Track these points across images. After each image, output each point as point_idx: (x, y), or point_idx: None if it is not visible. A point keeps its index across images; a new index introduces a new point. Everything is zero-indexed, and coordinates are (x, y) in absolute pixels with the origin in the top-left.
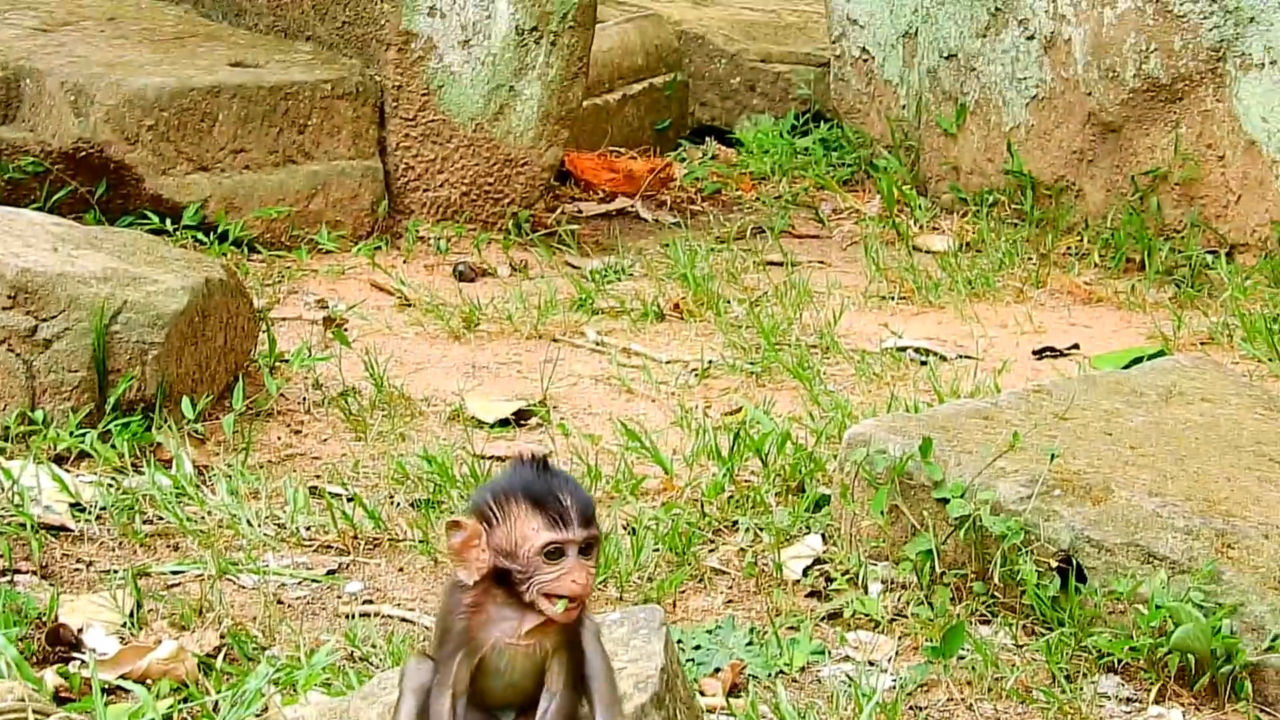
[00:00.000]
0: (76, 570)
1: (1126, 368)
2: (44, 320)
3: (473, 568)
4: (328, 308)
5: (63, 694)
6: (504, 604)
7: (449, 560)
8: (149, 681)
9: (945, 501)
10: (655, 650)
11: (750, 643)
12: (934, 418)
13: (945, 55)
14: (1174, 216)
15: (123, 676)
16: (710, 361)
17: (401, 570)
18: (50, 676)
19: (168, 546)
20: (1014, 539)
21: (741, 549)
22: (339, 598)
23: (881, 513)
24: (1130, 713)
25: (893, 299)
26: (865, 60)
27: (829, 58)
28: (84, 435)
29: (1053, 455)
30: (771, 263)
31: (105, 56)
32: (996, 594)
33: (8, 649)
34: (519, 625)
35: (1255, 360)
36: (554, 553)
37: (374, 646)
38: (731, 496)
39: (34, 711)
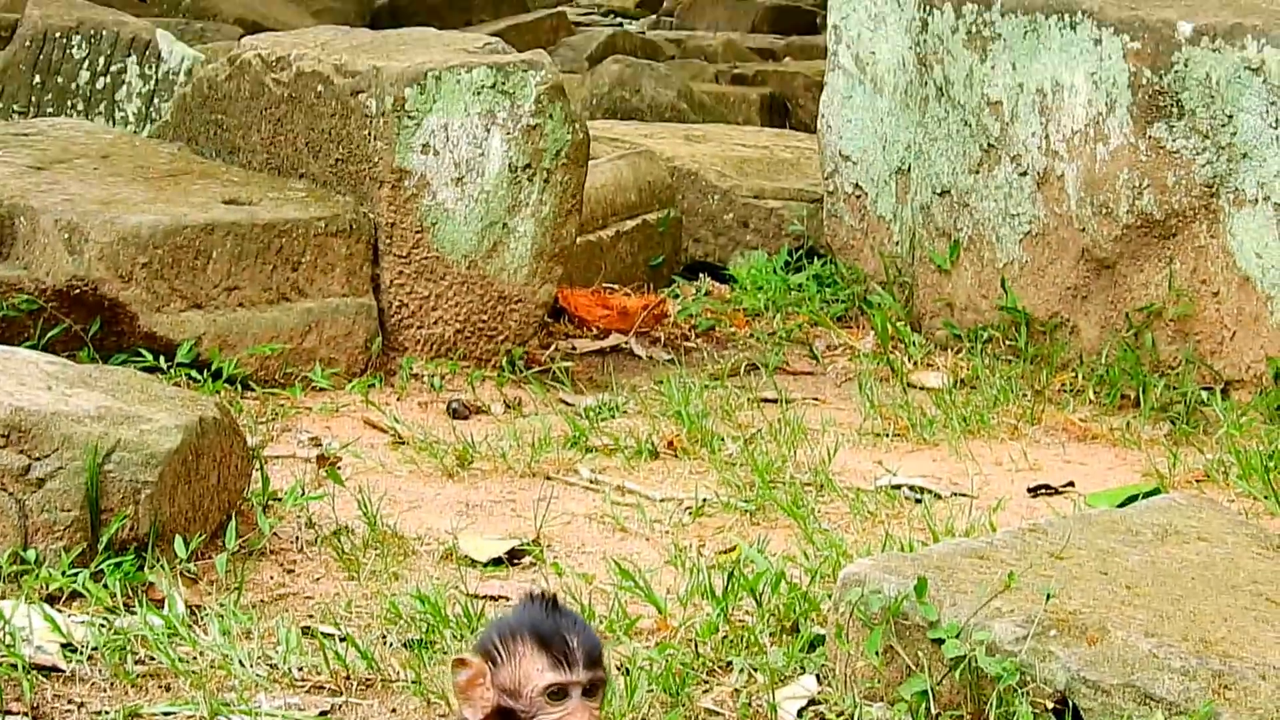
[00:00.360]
0: (68, 711)
1: (1122, 506)
2: (37, 459)
3: (478, 706)
4: (321, 446)
5: None
6: None
7: (455, 698)
8: None
9: (940, 642)
10: None
11: None
12: (929, 557)
13: (938, 191)
14: (1169, 353)
15: None
16: (704, 500)
17: (394, 711)
18: None
19: (160, 687)
20: (1010, 680)
21: (736, 690)
22: None
23: (876, 653)
24: None
25: (887, 436)
26: (858, 196)
27: (822, 194)
28: (76, 575)
29: (1048, 595)
30: (766, 400)
31: (99, 194)
32: None
33: None
34: None
35: (1251, 498)
36: (557, 694)
37: None
38: (726, 636)
39: None
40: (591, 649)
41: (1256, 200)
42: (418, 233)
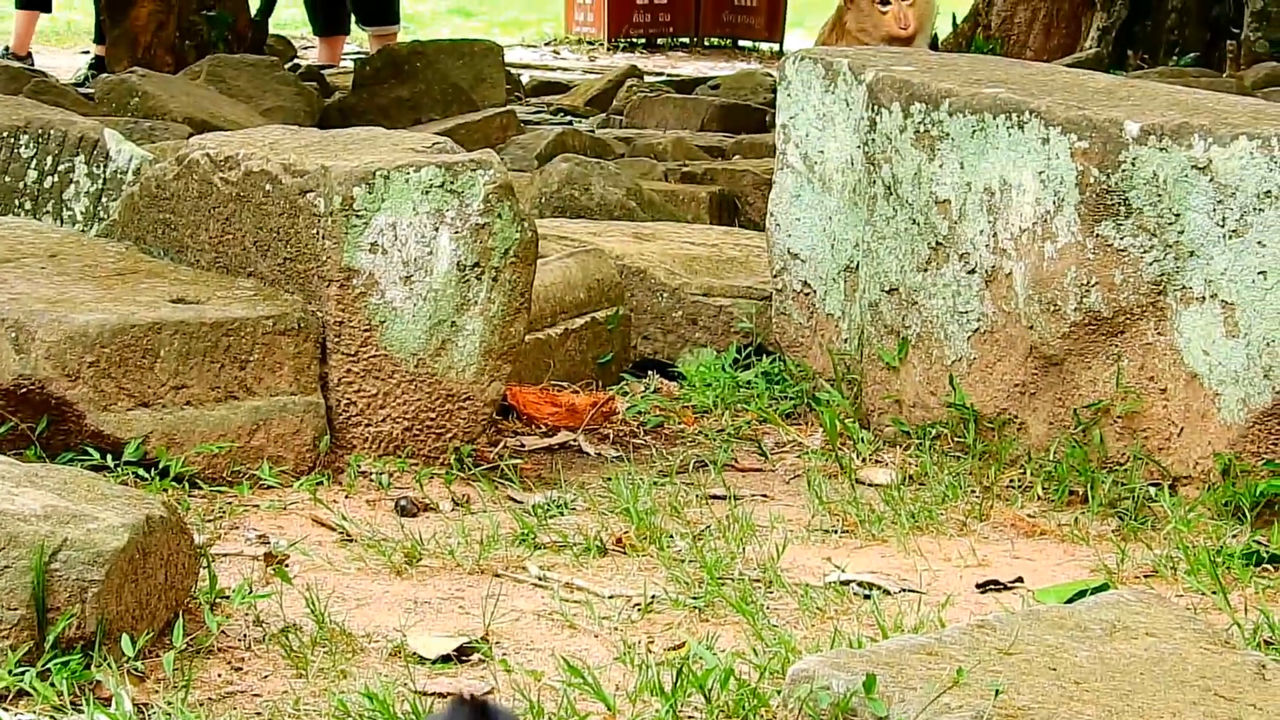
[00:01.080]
0: None
1: (1070, 601)
2: None
3: None
4: (269, 544)
5: None
6: None
7: None
8: None
9: None
10: None
11: None
12: (878, 654)
13: (886, 289)
14: (1117, 449)
15: None
16: (653, 596)
17: None
18: None
19: None
20: None
21: None
22: None
23: None
24: None
25: (836, 532)
26: (807, 294)
27: (771, 291)
28: (23, 674)
29: (997, 691)
30: (714, 496)
31: (47, 293)
32: None
33: None
34: None
35: (1199, 593)
36: None
37: None
38: None
39: None
40: None
41: (1204, 298)
42: (366, 331)
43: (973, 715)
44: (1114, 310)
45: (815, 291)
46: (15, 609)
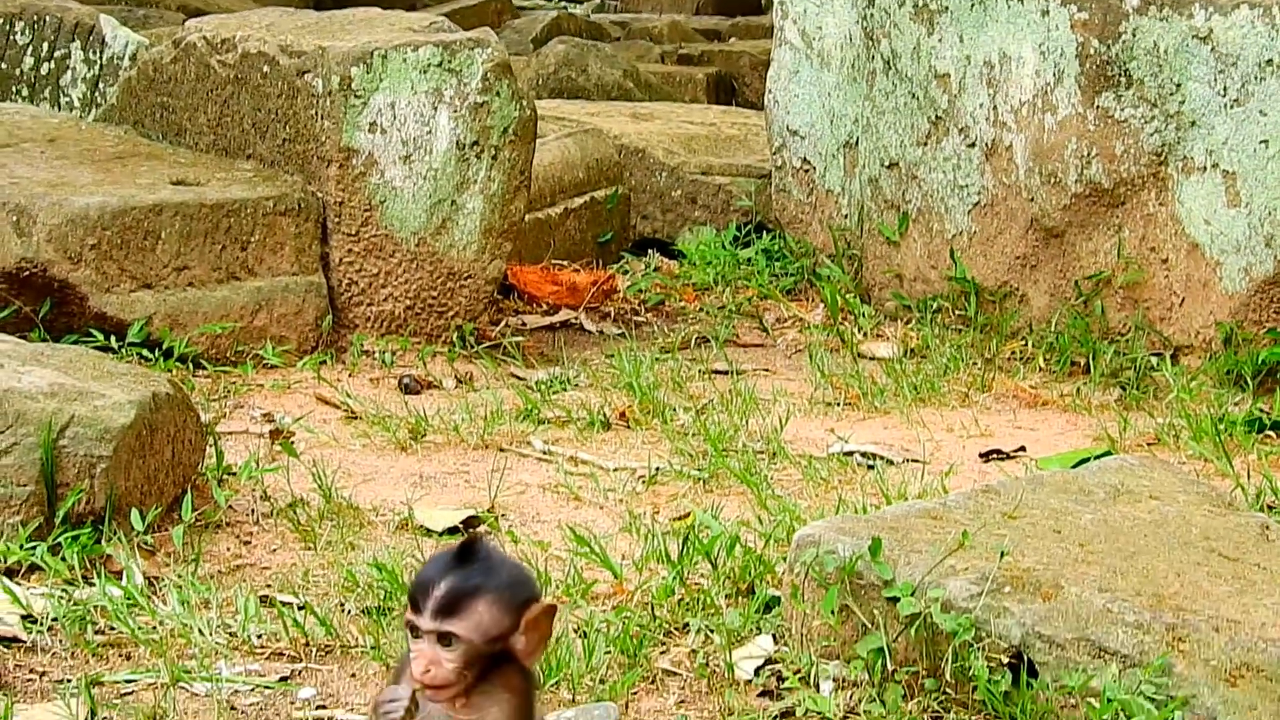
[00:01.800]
0: (30, 680)
1: (1073, 468)
2: None
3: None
4: (274, 421)
5: None
6: None
7: None
8: None
9: (895, 600)
10: None
11: None
12: (883, 519)
13: (886, 164)
14: (1118, 320)
15: None
16: (657, 469)
17: (354, 676)
18: None
19: (120, 656)
20: (965, 636)
21: (693, 650)
22: (292, 704)
23: (832, 612)
24: None
25: (838, 405)
26: (806, 171)
27: (770, 169)
28: (34, 548)
29: (1002, 553)
30: (716, 371)
31: (47, 177)
32: (949, 690)
33: None
34: None
35: (1202, 459)
36: (414, 633)
37: None
38: (682, 599)
39: None
40: (449, 602)
41: (1205, 168)
42: (366, 211)
43: (978, 577)
44: (1115, 181)
45: (815, 168)
46: (25, 485)
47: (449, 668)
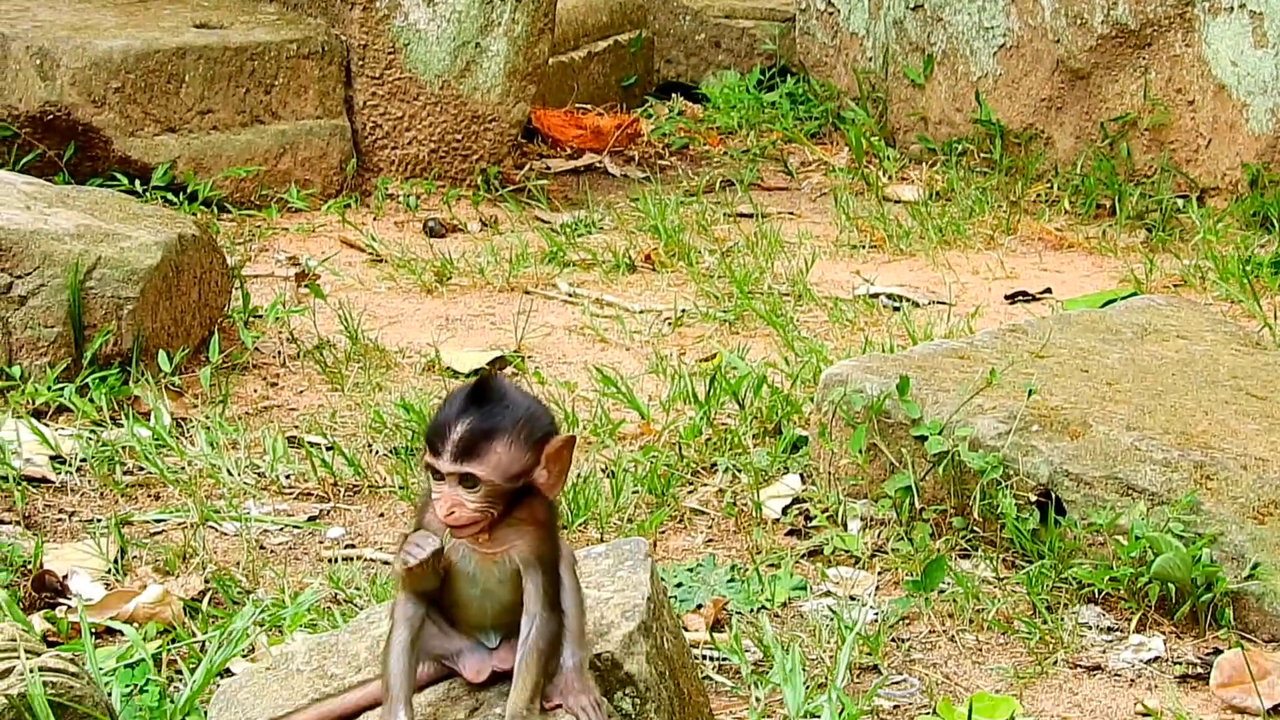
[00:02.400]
0: (59, 520)
1: (1101, 308)
2: (19, 277)
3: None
4: (299, 264)
5: (50, 638)
6: None
7: None
8: (135, 625)
9: (923, 439)
10: (641, 580)
11: (731, 580)
12: (910, 358)
13: (911, 6)
14: (1144, 162)
15: (110, 620)
16: (683, 310)
17: (382, 516)
18: (37, 622)
19: (149, 496)
20: (993, 474)
21: (720, 490)
22: (320, 543)
23: (860, 451)
24: (1111, 642)
25: (864, 248)
26: (830, 13)
27: (794, 12)
28: (62, 389)
29: (1030, 391)
30: (741, 214)
31: (70, 20)
32: (976, 529)
33: None
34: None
35: (1228, 301)
36: (436, 475)
37: (357, 589)
38: (709, 439)
39: (26, 651)
40: (469, 443)
41: (1232, 8)
42: (390, 54)
43: (1006, 415)
44: (1141, 22)
45: (839, 10)
46: (52, 327)
47: (471, 508)
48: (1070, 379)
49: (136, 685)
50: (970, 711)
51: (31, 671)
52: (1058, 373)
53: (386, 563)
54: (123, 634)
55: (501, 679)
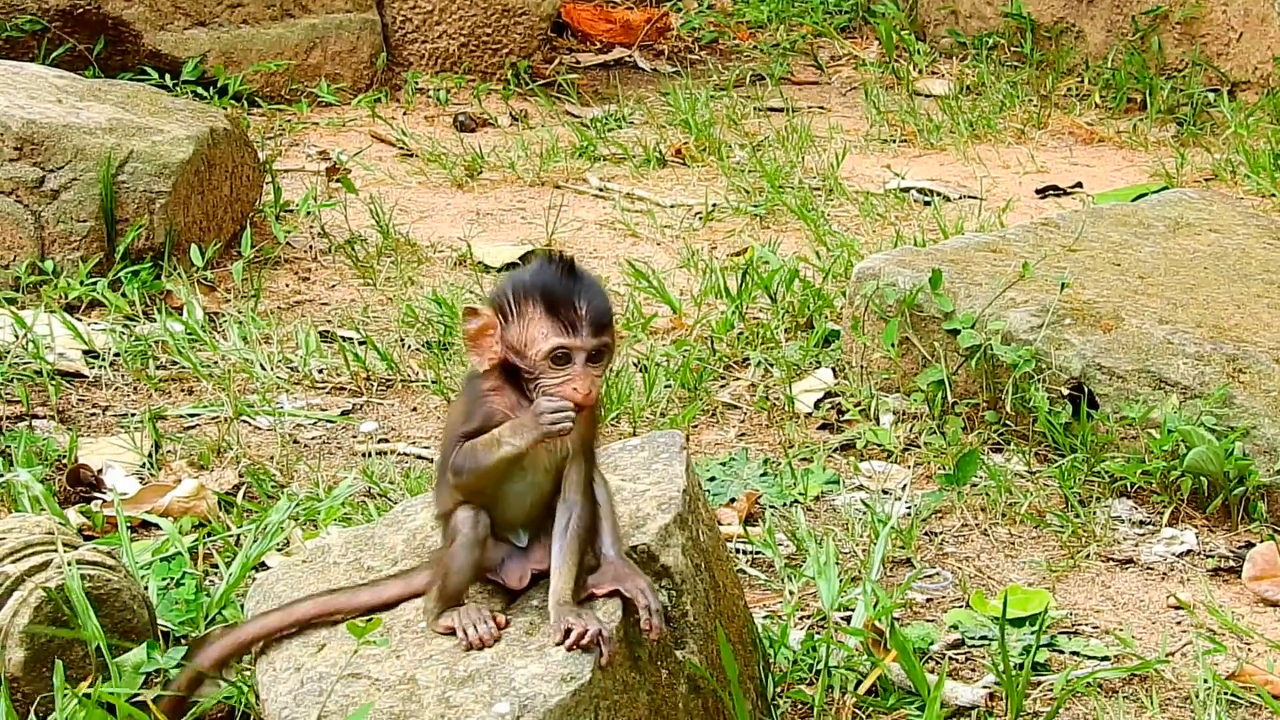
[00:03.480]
0: (93, 415)
1: (1133, 202)
2: (51, 171)
3: (485, 356)
4: (330, 159)
5: (86, 532)
6: (520, 398)
7: (463, 344)
8: (170, 519)
9: (956, 332)
10: (678, 473)
11: (764, 474)
12: (942, 252)
13: None
14: (1175, 56)
15: (145, 514)
16: (714, 205)
17: (415, 410)
18: (72, 516)
19: (182, 390)
20: (1025, 368)
21: (752, 384)
22: (354, 437)
23: (892, 345)
24: (1144, 535)
25: (894, 142)
26: None
27: None
28: (94, 284)
29: (1063, 285)
30: (772, 109)
31: None
32: (1008, 422)
33: (34, 486)
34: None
35: (1260, 195)
36: (561, 358)
37: (391, 482)
38: (741, 333)
39: (63, 545)
40: (599, 315)
41: None
42: None
43: (1038, 309)
44: None
45: None
46: (85, 221)
47: (599, 382)
48: (1103, 273)
49: (173, 579)
50: (1005, 604)
51: (69, 565)
52: (1090, 266)
53: (420, 457)
54: (158, 528)
55: (538, 579)
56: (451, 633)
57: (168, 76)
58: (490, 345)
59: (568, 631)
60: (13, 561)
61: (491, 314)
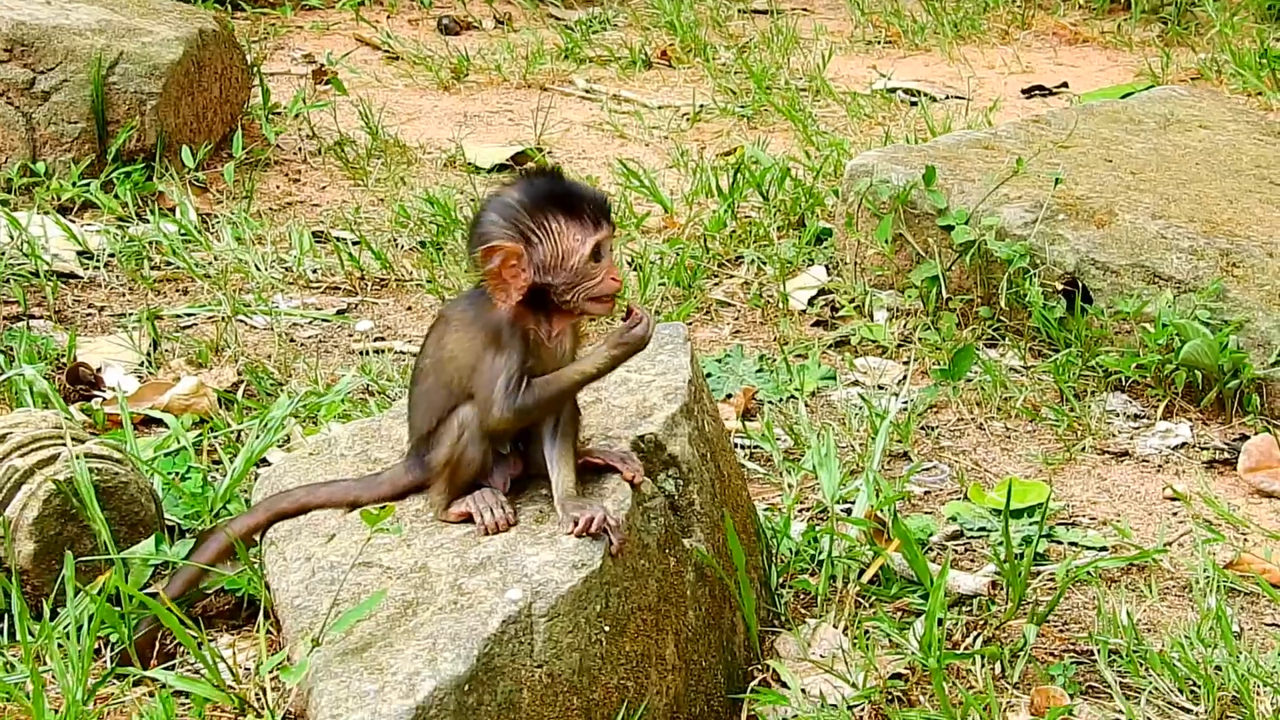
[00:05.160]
0: (90, 314)
1: (1122, 99)
2: (41, 73)
3: (513, 290)
4: (315, 62)
5: (88, 429)
6: (543, 317)
7: (488, 284)
8: (173, 415)
9: (950, 228)
10: (682, 364)
11: (760, 370)
12: (935, 149)
13: None
14: None
15: (148, 410)
16: (701, 106)
17: (409, 309)
18: (74, 413)
19: (178, 291)
20: (1019, 263)
21: (746, 282)
22: (350, 336)
23: (886, 241)
24: (1139, 428)
25: (879, 43)
26: None
27: None
28: (87, 186)
29: (1057, 180)
30: (756, 11)
31: None
32: (1003, 318)
33: (39, 381)
34: (549, 328)
35: (1246, 92)
36: (596, 253)
37: (390, 379)
38: (734, 232)
39: (71, 438)
40: (605, 203)
41: None
42: None
43: (1032, 205)
44: None
45: None
46: (76, 122)
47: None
48: (1095, 169)
49: (178, 473)
50: (1010, 492)
51: (77, 458)
52: (1082, 163)
53: (416, 355)
54: (160, 425)
55: (517, 484)
56: (465, 519)
57: None
58: (519, 274)
59: (575, 520)
60: (20, 455)
61: (513, 243)
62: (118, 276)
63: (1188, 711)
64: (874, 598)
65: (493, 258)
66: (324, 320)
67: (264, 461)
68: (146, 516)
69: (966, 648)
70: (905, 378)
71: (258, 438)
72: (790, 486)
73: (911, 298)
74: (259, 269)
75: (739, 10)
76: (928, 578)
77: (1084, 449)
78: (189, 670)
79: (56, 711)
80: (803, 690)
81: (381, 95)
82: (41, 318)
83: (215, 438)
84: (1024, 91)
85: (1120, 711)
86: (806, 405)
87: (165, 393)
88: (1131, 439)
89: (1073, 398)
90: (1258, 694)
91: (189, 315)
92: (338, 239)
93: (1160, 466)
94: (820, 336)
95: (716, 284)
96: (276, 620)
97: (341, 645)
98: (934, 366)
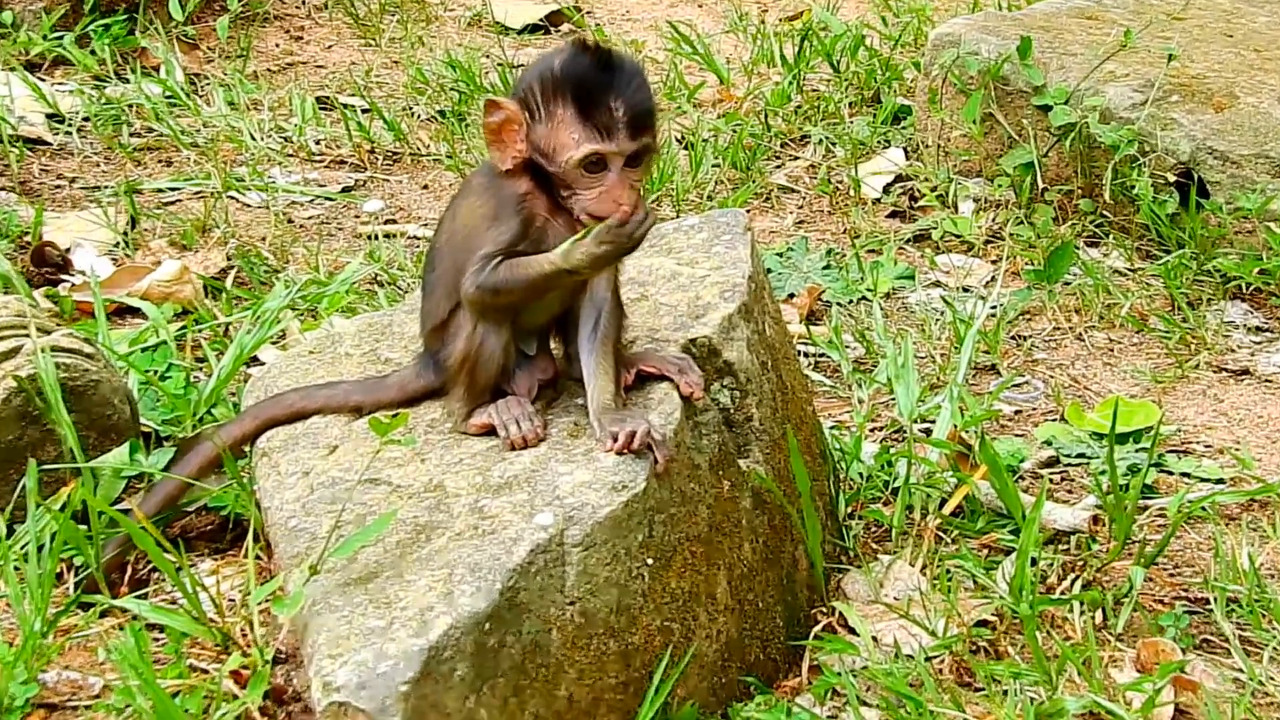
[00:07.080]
0: (59, 187)
1: None
2: None
3: (507, 154)
4: None
5: (53, 319)
6: (553, 203)
7: (486, 140)
8: (151, 304)
9: (1047, 109)
10: (741, 256)
11: (827, 266)
12: (1031, 17)
13: None
14: None
15: (124, 297)
16: None
17: (426, 188)
18: (39, 299)
19: (160, 161)
20: (1126, 150)
21: (812, 165)
22: (357, 217)
23: (974, 122)
24: (1260, 343)
25: None
26: None
27: None
28: (60, 39)
29: (1170, 56)
30: None
31: None
32: (1106, 213)
33: (1, 262)
34: (562, 219)
35: None
36: (595, 165)
37: (401, 268)
38: (799, 107)
39: (36, 328)
40: (639, 114)
41: None
42: None
43: (1141, 84)
44: None
45: None
46: None
47: (639, 188)
48: (1213, 44)
49: (156, 371)
50: (1115, 415)
51: (42, 351)
52: (1198, 37)
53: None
54: (137, 315)
55: (545, 389)
56: (488, 431)
57: None
58: (514, 143)
59: (615, 435)
60: None
61: (516, 108)
62: (92, 144)
63: None
64: (956, 532)
65: (492, 113)
66: (327, 199)
67: (256, 360)
68: (120, 421)
69: (1063, 592)
70: (994, 279)
71: (249, 332)
72: (861, 402)
73: (1002, 187)
74: (254, 138)
75: None
76: (1019, 510)
77: (1198, 365)
78: (165, 600)
79: (10, 644)
80: (874, 638)
81: None
82: (4, 189)
83: (200, 331)
84: None
85: (1240, 669)
86: (881, 308)
87: (144, 278)
88: (1253, 355)
89: (1186, 306)
90: None
91: (173, 190)
92: (345, 106)
93: None
94: (897, 230)
95: (779, 166)
96: (268, 544)
97: (343, 574)
98: (1027, 267)
